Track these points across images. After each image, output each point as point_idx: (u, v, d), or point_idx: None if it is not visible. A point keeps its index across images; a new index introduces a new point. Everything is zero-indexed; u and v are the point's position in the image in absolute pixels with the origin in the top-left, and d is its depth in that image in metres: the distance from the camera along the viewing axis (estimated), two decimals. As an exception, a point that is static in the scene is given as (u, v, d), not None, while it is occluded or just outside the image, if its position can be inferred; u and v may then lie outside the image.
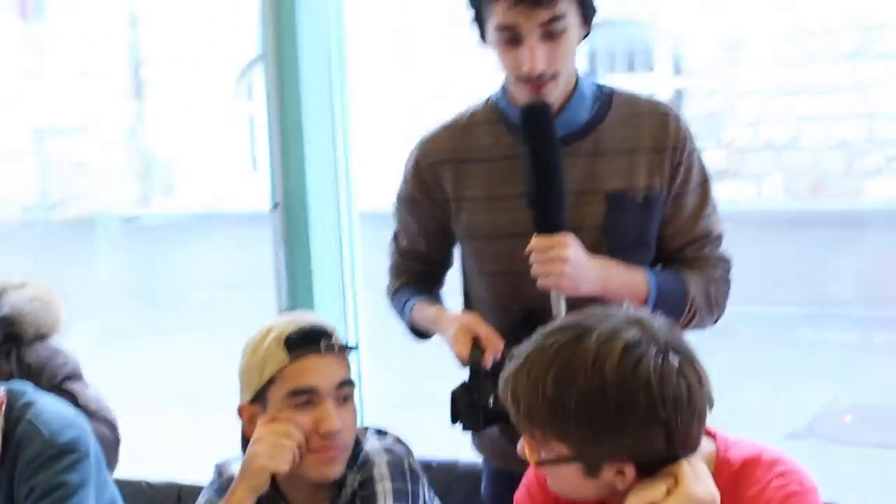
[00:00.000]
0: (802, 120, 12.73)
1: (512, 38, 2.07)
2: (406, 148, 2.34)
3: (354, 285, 3.18)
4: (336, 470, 2.08)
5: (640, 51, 13.61)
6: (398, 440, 2.19)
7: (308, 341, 2.07)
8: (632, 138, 2.19)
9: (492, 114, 2.25)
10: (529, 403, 1.63)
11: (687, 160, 2.20)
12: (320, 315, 2.26)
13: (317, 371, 2.06)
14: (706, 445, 1.72)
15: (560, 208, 2.07)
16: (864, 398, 6.51)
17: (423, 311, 2.31)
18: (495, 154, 2.22)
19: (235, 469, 2.13)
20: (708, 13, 13.19)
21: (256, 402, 2.09)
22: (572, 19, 2.08)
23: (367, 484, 2.08)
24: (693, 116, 11.76)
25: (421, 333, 2.35)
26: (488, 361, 2.07)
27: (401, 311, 2.39)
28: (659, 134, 2.19)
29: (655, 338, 1.62)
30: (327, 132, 3.11)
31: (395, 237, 2.42)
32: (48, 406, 2.23)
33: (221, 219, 15.79)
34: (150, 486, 2.55)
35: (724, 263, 2.27)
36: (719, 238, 2.26)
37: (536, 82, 2.10)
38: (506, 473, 2.24)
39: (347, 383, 2.10)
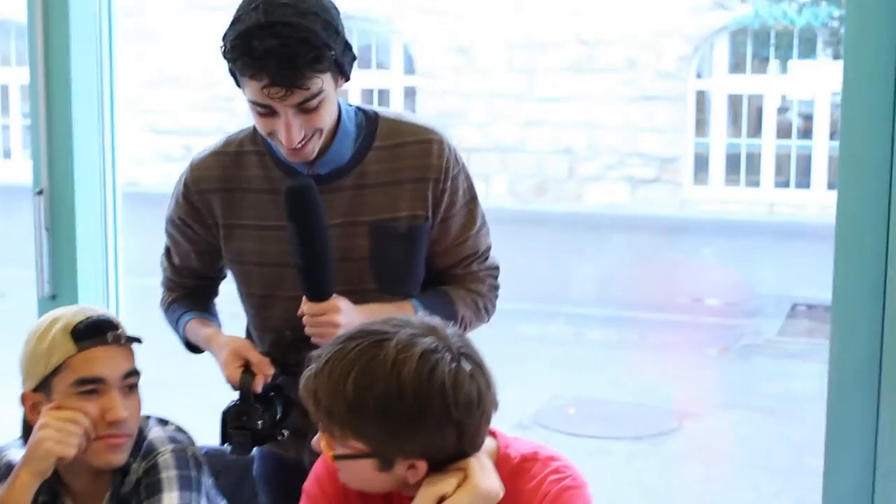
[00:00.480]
0: (528, 125, 13.26)
1: (266, 112, 2.07)
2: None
3: (117, 269, 3.16)
4: (121, 457, 2.10)
5: (377, 48, 13.81)
6: (180, 429, 2.23)
7: (95, 332, 2.10)
8: (394, 170, 2.22)
9: (261, 146, 2.26)
10: (330, 403, 1.72)
11: (451, 185, 2.25)
12: (104, 309, 2.28)
13: (104, 361, 2.09)
14: (489, 443, 1.86)
15: (328, 277, 2.13)
16: (586, 392, 6.90)
17: (196, 330, 2.35)
18: (264, 186, 2.25)
19: (13, 455, 2.13)
20: (441, 17, 13.53)
21: (40, 390, 2.10)
22: (328, 86, 2.08)
23: (152, 471, 2.11)
24: (425, 115, 12.02)
25: (195, 348, 2.38)
26: (258, 386, 2.16)
27: (175, 325, 2.42)
28: (421, 163, 2.22)
29: (449, 345, 1.74)
30: (94, 114, 3.06)
31: (168, 252, 2.43)
32: None
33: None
34: None
35: (492, 272, 2.39)
36: (487, 251, 2.36)
37: (294, 149, 2.11)
38: (273, 455, 2.38)
39: (133, 373, 2.14)
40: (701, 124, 13.36)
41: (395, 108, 2.35)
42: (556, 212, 12.32)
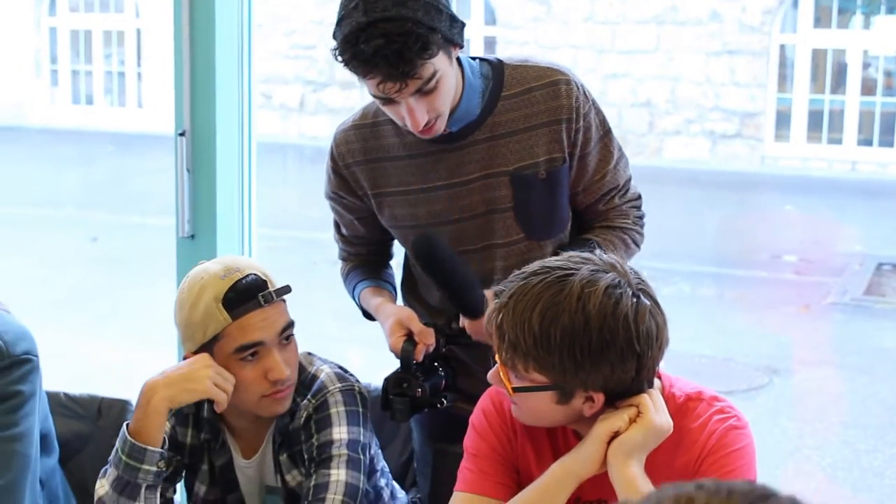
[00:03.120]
0: (609, 77, 13.20)
1: (388, 101, 2.11)
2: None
3: (251, 214, 3.23)
4: (286, 405, 2.18)
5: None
6: (342, 367, 2.29)
7: (247, 297, 2.11)
8: (526, 117, 2.24)
9: None
10: (515, 336, 1.77)
11: (584, 123, 2.25)
12: (247, 259, 2.28)
13: (259, 325, 2.11)
14: (654, 382, 1.91)
15: (477, 299, 2.17)
16: (672, 346, 6.89)
17: (367, 299, 2.41)
18: (402, 152, 2.29)
19: None
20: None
21: (202, 352, 2.14)
22: (442, 64, 2.08)
23: (322, 408, 2.18)
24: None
25: (370, 315, 2.44)
26: (419, 355, 2.21)
27: (351, 293, 2.49)
28: (552, 106, 2.23)
29: (629, 281, 1.79)
30: (235, 59, 3.12)
31: (336, 226, 2.51)
32: (1, 315, 2.23)
33: (15, 132, 15.24)
34: (69, 397, 2.57)
35: (635, 203, 2.39)
36: (627, 182, 2.37)
37: (423, 129, 2.14)
38: None
39: (289, 326, 2.17)
40: (783, 80, 13.22)
41: (519, 53, 2.36)
42: (636, 165, 12.24)
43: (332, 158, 2.38)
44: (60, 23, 16.38)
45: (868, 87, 13.03)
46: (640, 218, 2.41)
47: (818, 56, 13.06)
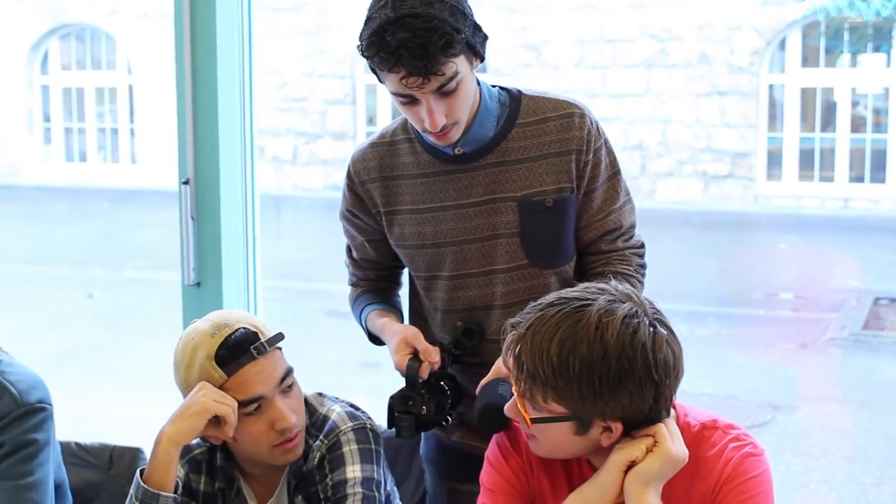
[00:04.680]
0: (600, 121, 13.25)
1: (408, 101, 2.14)
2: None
3: (256, 260, 3.24)
4: (298, 452, 2.18)
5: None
6: (353, 405, 2.30)
7: (239, 352, 2.11)
8: (538, 146, 2.26)
9: (410, 133, 2.34)
10: (534, 366, 1.78)
11: (594, 157, 2.27)
12: (236, 311, 2.26)
13: (256, 379, 2.11)
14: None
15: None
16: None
17: (374, 321, 2.42)
18: (416, 171, 2.33)
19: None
20: (511, 13, 13.60)
21: None
22: (464, 68, 2.13)
23: (335, 447, 2.19)
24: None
25: (377, 340, 2.45)
26: (424, 373, 2.22)
27: (358, 318, 2.50)
28: (564, 137, 2.26)
29: (646, 311, 1.81)
30: (237, 108, 3.15)
31: (348, 250, 2.53)
32: (15, 365, 2.24)
33: (10, 191, 15.28)
34: (80, 447, 2.57)
35: (638, 251, 2.40)
36: (631, 228, 2.38)
37: (440, 134, 2.19)
38: (434, 437, 2.46)
39: (288, 374, 2.17)
40: (773, 119, 13.31)
41: (539, 86, 2.40)
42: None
43: (349, 177, 2.41)
44: (52, 81, 16.47)
45: (857, 125, 13.13)
46: (643, 267, 2.42)
47: (807, 95, 13.16)
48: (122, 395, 6.91)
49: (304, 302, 9.05)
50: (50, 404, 2.23)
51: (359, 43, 2.13)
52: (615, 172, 2.33)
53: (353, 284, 2.56)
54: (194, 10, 3.05)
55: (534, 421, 1.84)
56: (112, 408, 6.58)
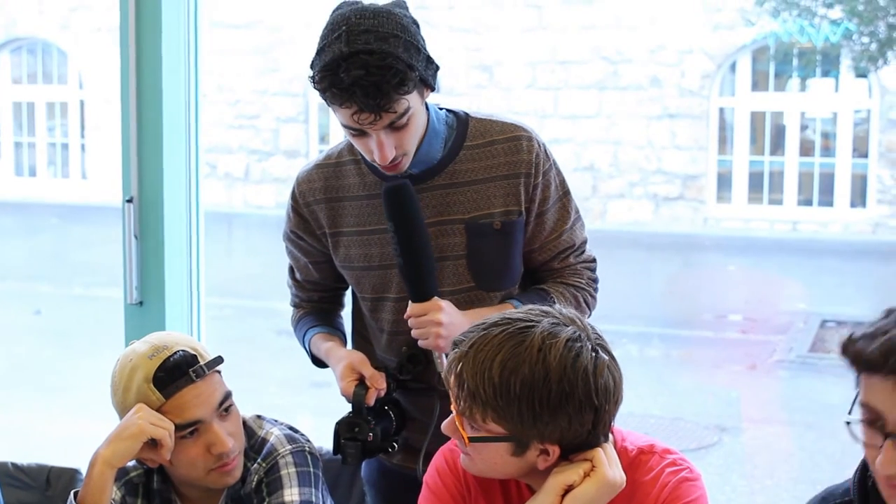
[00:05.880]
0: (551, 142, 13.30)
1: (358, 133, 2.13)
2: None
3: (199, 280, 3.22)
4: (236, 475, 2.16)
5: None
6: (293, 428, 2.29)
7: (177, 375, 2.09)
8: (486, 168, 2.26)
9: (357, 155, 2.32)
10: (475, 385, 1.78)
11: (543, 180, 2.28)
12: (175, 334, 2.25)
13: (194, 402, 2.10)
14: (606, 436, 1.92)
15: (430, 277, 2.20)
16: (621, 407, 6.93)
17: (318, 345, 2.42)
18: (362, 192, 2.32)
19: None
20: (464, 34, 13.65)
21: None
22: (415, 102, 2.12)
23: (273, 470, 2.17)
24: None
25: (320, 363, 2.44)
26: (371, 399, 2.22)
27: (301, 340, 2.49)
28: (512, 160, 2.26)
29: (588, 335, 1.81)
30: (182, 126, 3.13)
31: (291, 271, 2.52)
32: None
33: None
34: (16, 467, 2.53)
35: (589, 265, 2.41)
36: (583, 244, 2.39)
37: (389, 165, 2.18)
38: (377, 461, 2.45)
39: (226, 397, 2.16)
40: (723, 142, 13.43)
41: (486, 109, 2.40)
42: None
43: (294, 198, 2.39)
44: (2, 94, 16.31)
45: (806, 149, 13.27)
46: (594, 281, 2.43)
47: (757, 119, 13.30)
48: (65, 413, 6.83)
49: (254, 320, 9.01)
50: None
51: (310, 73, 2.12)
52: (565, 192, 2.35)
53: (295, 305, 2.55)
54: (140, 25, 3.03)
55: (471, 440, 1.83)
56: (53, 426, 6.51)
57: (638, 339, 8.58)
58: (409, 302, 2.21)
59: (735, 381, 7.70)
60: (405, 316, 2.21)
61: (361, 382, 2.23)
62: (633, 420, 6.43)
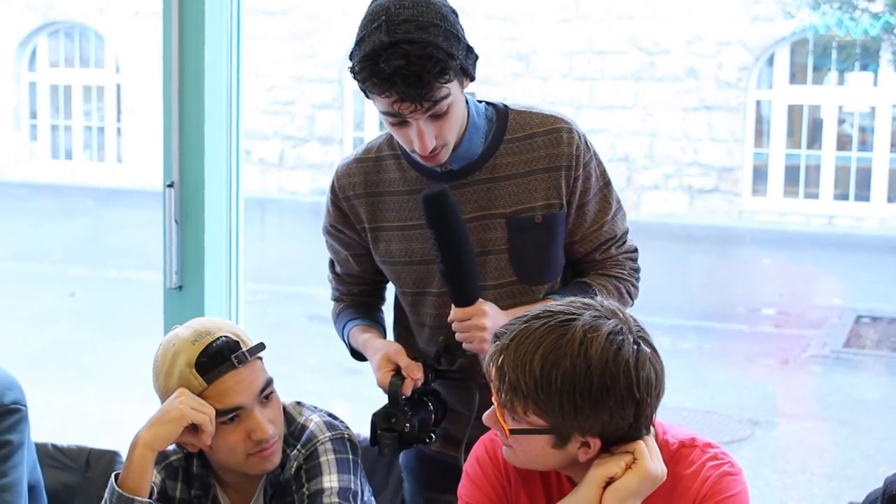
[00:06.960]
0: (587, 133, 13.28)
1: (398, 122, 2.12)
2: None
3: (238, 265, 3.23)
4: (275, 461, 2.17)
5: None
6: (332, 415, 2.29)
7: (220, 360, 2.10)
8: (526, 161, 2.25)
9: (397, 149, 2.31)
10: (516, 377, 1.78)
11: (584, 172, 2.26)
12: (218, 320, 2.25)
13: (236, 388, 2.11)
14: (648, 428, 1.92)
15: (472, 281, 2.18)
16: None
17: (356, 337, 2.41)
18: (403, 187, 2.31)
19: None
20: (501, 22, 13.62)
21: None
22: (455, 89, 2.11)
23: (312, 457, 2.18)
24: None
25: (359, 355, 2.43)
26: (407, 390, 2.21)
27: (340, 333, 2.49)
28: (553, 152, 2.24)
29: (630, 328, 1.81)
30: (224, 112, 3.14)
31: (331, 265, 2.51)
32: None
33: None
34: (57, 449, 2.55)
35: (631, 255, 2.40)
36: (624, 234, 2.38)
37: (429, 156, 2.17)
38: (415, 448, 2.41)
39: (268, 384, 2.16)
40: (759, 135, 13.35)
41: (526, 101, 2.38)
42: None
43: (333, 191, 2.39)
44: (40, 78, 16.42)
45: (843, 143, 13.17)
46: (636, 271, 2.42)
47: (794, 112, 13.21)
48: (101, 395, 6.88)
49: (288, 306, 9.04)
50: (24, 405, 2.21)
51: (350, 64, 2.11)
52: (606, 183, 2.33)
53: (335, 299, 2.55)
54: (183, 11, 3.04)
55: (512, 432, 1.83)
56: (90, 408, 6.56)
57: (671, 331, 8.54)
58: (453, 306, 2.20)
59: (768, 376, 7.66)
60: (448, 320, 2.20)
61: (398, 373, 2.22)
62: (665, 412, 6.26)
